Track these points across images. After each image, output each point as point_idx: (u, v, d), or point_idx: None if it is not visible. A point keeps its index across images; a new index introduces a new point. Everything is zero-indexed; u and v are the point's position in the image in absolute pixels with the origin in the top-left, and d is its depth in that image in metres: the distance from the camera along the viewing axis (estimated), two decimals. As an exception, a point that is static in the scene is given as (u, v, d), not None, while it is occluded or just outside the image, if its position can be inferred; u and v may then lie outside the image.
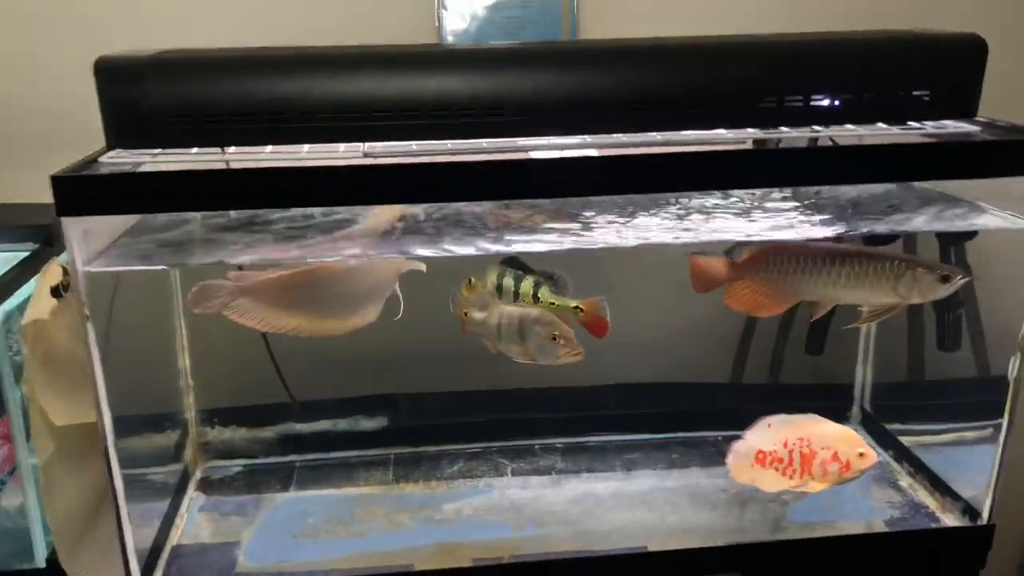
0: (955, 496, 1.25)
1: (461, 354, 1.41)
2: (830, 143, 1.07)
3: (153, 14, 1.35)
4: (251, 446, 1.43)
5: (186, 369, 1.38)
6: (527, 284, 1.12)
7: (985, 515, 1.18)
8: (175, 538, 1.23)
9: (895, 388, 1.50)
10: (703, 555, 1.15)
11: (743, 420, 1.47)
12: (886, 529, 1.23)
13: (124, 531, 1.02)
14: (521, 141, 1.01)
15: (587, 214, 1.14)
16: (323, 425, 1.45)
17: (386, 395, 1.46)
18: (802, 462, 1.13)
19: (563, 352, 1.09)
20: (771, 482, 1.14)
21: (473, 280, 1.15)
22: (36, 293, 1.14)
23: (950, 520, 1.23)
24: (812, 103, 1.07)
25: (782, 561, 1.17)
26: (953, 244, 1.27)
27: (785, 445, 1.13)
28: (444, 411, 1.49)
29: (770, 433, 1.15)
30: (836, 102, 1.07)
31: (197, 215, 1.09)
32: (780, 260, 1.15)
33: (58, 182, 0.86)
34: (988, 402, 1.17)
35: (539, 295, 1.11)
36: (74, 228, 0.89)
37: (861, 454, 1.11)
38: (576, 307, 1.11)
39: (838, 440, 1.12)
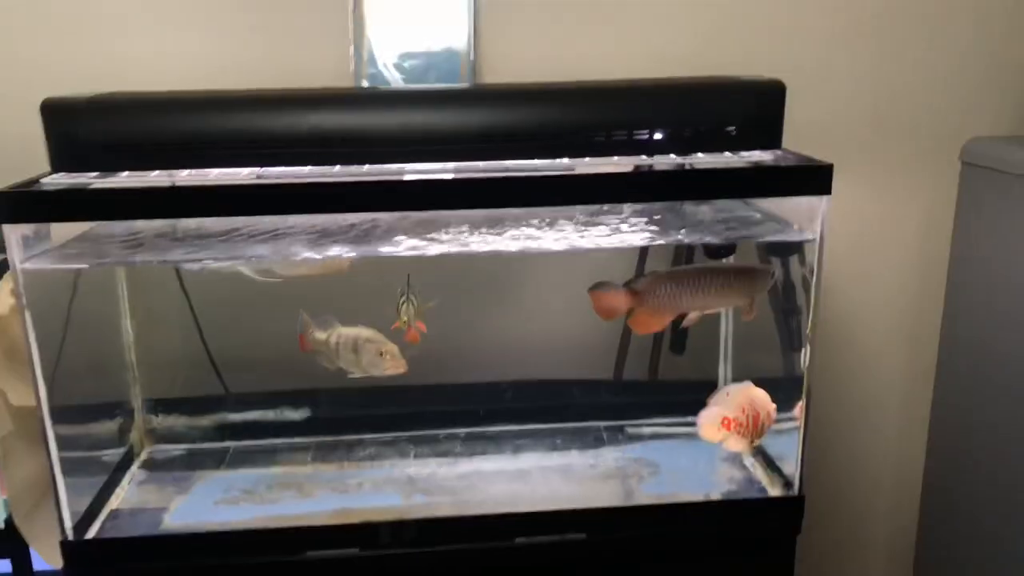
0: (780, 473, 1.45)
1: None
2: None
3: (96, 57, 1.60)
4: (191, 432, 1.65)
5: (133, 363, 1.60)
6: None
7: (796, 488, 1.39)
8: (113, 504, 1.44)
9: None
10: (556, 517, 1.36)
11: (624, 412, 1.70)
12: (719, 499, 1.43)
13: (58, 490, 1.24)
14: (395, 166, 1.25)
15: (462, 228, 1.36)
16: (254, 415, 1.66)
17: (310, 389, 1.67)
18: (752, 424, 1.34)
19: (388, 365, 1.36)
20: (736, 443, 1.36)
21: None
22: (-1, 293, 1.37)
23: (773, 492, 1.44)
24: (639, 136, 1.29)
25: (625, 523, 1.37)
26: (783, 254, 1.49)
27: (743, 411, 1.35)
28: (361, 404, 1.70)
29: (730, 400, 1.36)
30: (662, 135, 1.30)
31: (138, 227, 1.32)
32: (669, 284, 1.37)
33: (1, 196, 1.10)
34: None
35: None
36: (13, 233, 1.13)
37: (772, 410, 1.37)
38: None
39: (766, 402, 1.36)
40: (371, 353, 1.35)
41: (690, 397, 1.63)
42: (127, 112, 1.21)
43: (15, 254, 1.13)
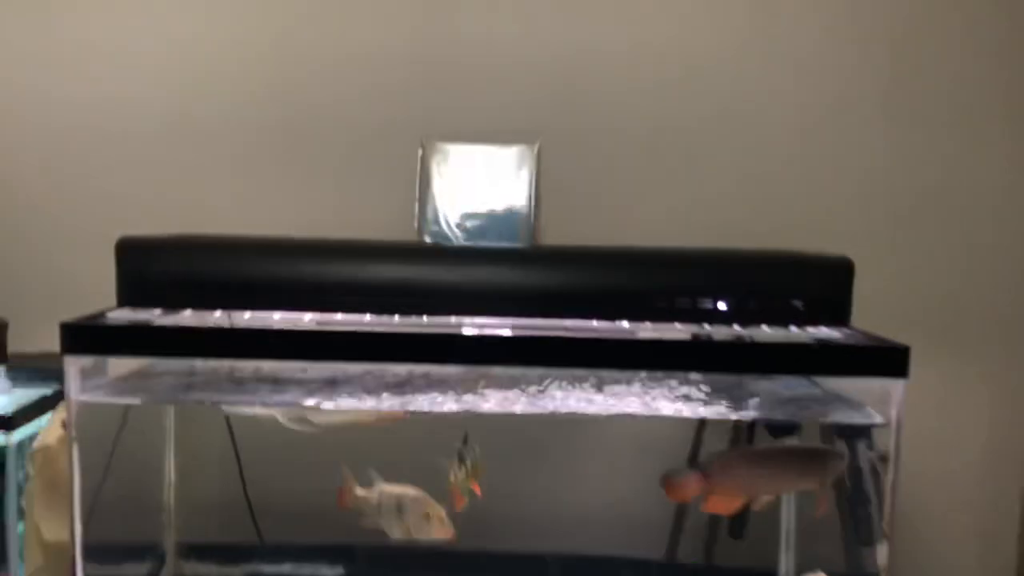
0: None
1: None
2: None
3: (175, 202, 1.66)
4: (221, 582, 1.58)
5: (170, 504, 1.57)
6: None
7: None
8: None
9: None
10: None
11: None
12: None
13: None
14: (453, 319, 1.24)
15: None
16: (287, 568, 1.59)
17: (347, 546, 1.61)
18: None
19: (435, 528, 1.27)
20: None
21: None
22: (49, 424, 1.37)
23: None
24: (702, 304, 1.27)
25: None
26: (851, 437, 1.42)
27: None
28: (400, 567, 1.62)
29: None
30: (725, 304, 1.28)
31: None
32: (743, 465, 1.32)
33: (64, 328, 1.11)
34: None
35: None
36: (72, 365, 1.13)
37: None
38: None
39: None
40: (416, 515, 1.29)
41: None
42: (195, 252, 1.24)
43: (72, 386, 1.13)
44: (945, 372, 1.73)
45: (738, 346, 1.20)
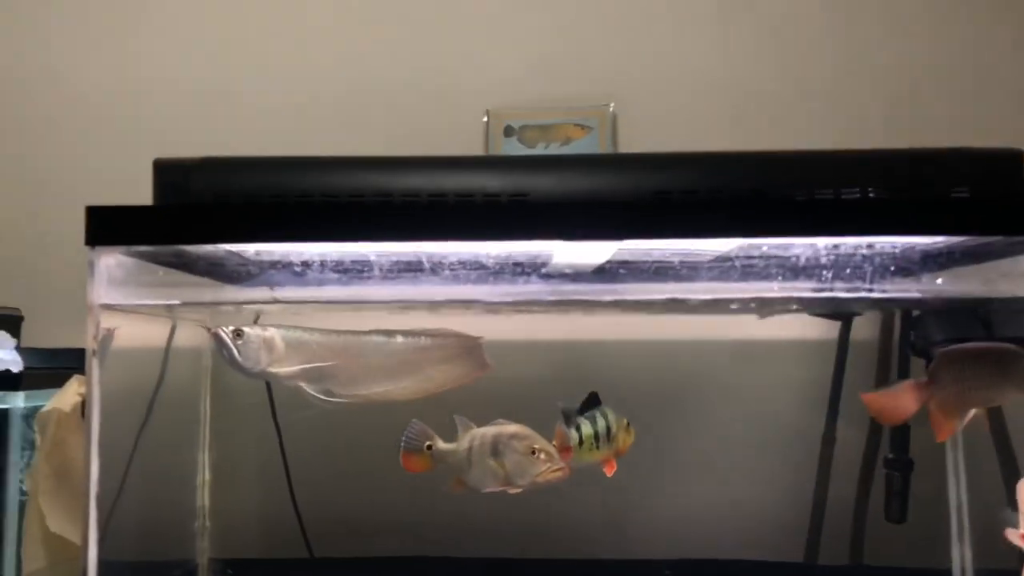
0: None
1: (497, 517, 1.31)
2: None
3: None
4: (262, 606, 1.30)
5: (204, 510, 1.30)
6: (613, 416, 1.05)
7: None
8: None
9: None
10: None
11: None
12: None
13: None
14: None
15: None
16: (342, 587, 1.31)
17: (413, 558, 1.33)
18: None
19: (544, 468, 0.98)
20: None
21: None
22: (62, 390, 1.14)
23: None
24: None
25: None
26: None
27: None
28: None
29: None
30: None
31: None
32: (966, 362, 1.05)
33: (92, 212, 0.89)
34: None
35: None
36: (101, 259, 0.91)
37: None
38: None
39: None
40: (518, 454, 0.99)
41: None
42: (233, 172, 1.04)
43: (98, 287, 0.90)
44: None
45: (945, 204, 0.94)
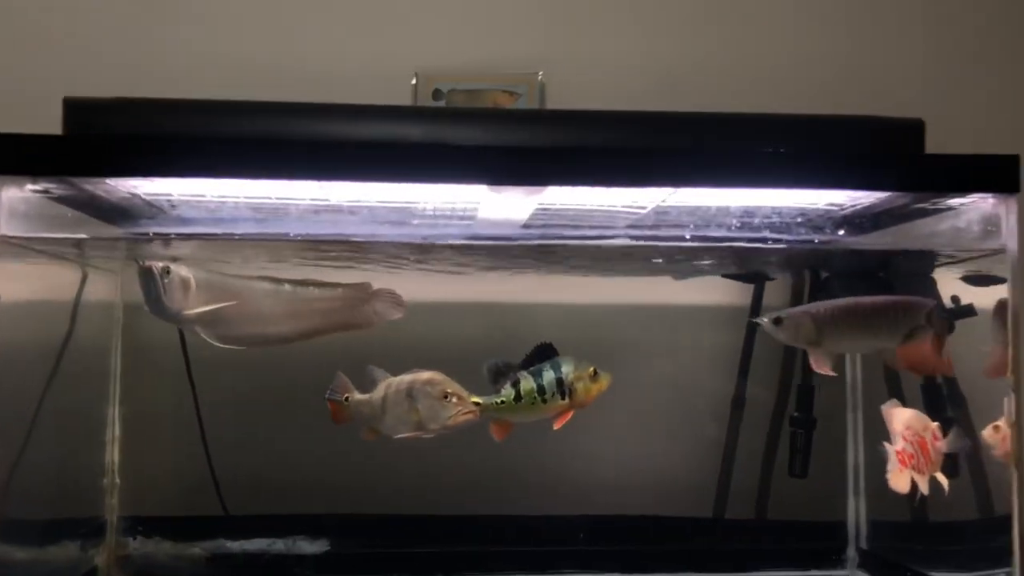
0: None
1: (413, 474, 1.31)
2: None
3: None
4: (177, 564, 1.27)
5: (113, 465, 1.27)
6: (570, 366, 1.06)
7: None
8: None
9: (897, 528, 1.34)
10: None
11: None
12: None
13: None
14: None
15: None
16: (258, 544, 1.30)
17: (332, 515, 1.32)
18: (923, 452, 1.02)
19: (455, 412, 1.00)
20: (923, 482, 1.02)
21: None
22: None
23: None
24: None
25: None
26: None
27: (905, 438, 1.02)
28: (395, 538, 1.34)
29: (895, 427, 1.04)
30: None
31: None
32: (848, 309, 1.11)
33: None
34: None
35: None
36: (3, 190, 0.88)
37: (940, 426, 1.04)
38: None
39: (922, 419, 1.04)
40: (431, 398, 1.01)
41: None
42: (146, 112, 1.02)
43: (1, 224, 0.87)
44: None
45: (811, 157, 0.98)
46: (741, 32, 1.52)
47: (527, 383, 1.05)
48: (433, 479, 1.34)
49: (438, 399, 1.00)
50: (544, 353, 1.08)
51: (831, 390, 1.37)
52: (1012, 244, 0.94)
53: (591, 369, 1.07)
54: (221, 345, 1.00)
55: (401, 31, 1.50)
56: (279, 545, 1.30)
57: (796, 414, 1.33)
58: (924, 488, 1.01)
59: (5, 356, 0.97)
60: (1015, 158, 0.92)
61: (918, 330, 1.08)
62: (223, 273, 1.02)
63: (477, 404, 1.04)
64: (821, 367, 1.09)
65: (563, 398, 1.06)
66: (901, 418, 1.04)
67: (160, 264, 0.96)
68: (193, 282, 0.97)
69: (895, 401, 1.08)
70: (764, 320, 1.10)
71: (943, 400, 1.23)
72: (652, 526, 1.36)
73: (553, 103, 1.50)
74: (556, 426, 1.06)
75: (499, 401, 1.05)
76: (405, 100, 1.49)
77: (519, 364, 1.08)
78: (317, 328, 1.07)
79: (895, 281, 1.21)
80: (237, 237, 1.02)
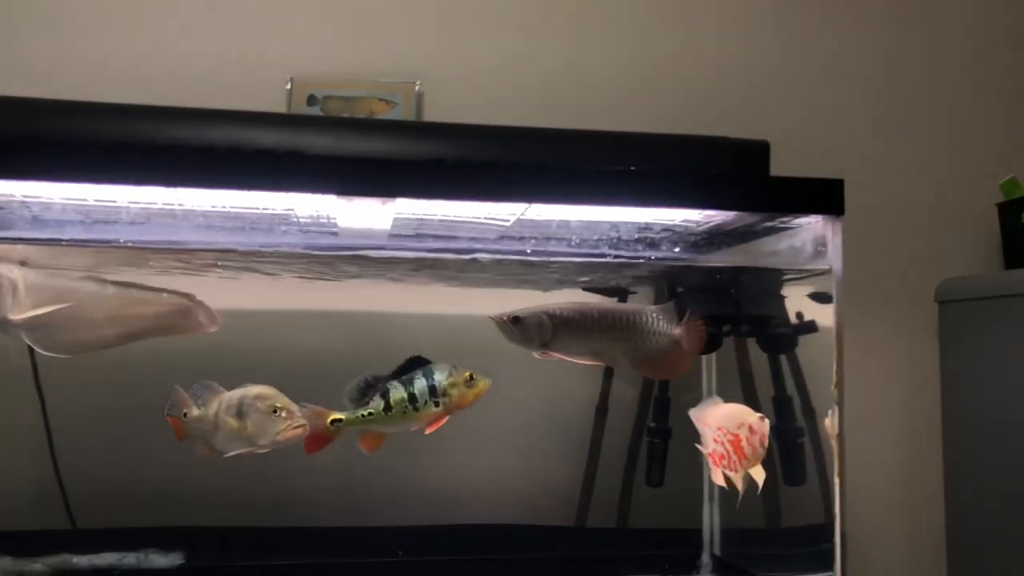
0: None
1: (278, 485, 1.30)
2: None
3: None
4: (17, 581, 1.22)
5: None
6: (443, 374, 1.06)
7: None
8: None
9: (748, 534, 1.40)
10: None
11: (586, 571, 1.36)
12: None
13: None
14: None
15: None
16: (108, 558, 1.25)
17: (184, 528, 1.29)
18: (736, 450, 1.03)
19: (284, 426, 0.99)
20: (720, 478, 1.04)
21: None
22: None
23: None
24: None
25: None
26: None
27: (715, 440, 1.04)
28: (250, 550, 1.31)
29: (706, 431, 1.07)
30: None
31: None
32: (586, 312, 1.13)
33: None
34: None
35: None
36: None
37: (761, 417, 1.04)
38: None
39: (738, 415, 1.05)
40: (260, 413, 0.99)
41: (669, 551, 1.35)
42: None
43: None
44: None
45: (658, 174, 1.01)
46: (614, 48, 1.57)
47: (397, 392, 1.05)
48: (290, 490, 1.32)
49: (267, 414, 0.99)
50: (415, 365, 1.08)
51: (690, 398, 1.41)
52: (837, 264, 0.99)
53: (467, 374, 1.07)
54: (46, 352, 0.96)
55: (278, 36, 1.49)
56: (130, 559, 1.26)
57: (652, 424, 1.37)
58: (739, 485, 1.04)
59: None
60: (839, 182, 0.98)
61: (652, 337, 1.12)
62: (50, 274, 0.98)
63: (340, 420, 1.04)
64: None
65: (436, 405, 1.06)
66: (714, 417, 1.06)
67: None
68: (22, 284, 0.93)
69: (713, 399, 1.11)
70: (502, 318, 1.10)
71: (792, 411, 1.29)
72: (515, 535, 1.38)
73: (430, 113, 1.51)
74: (428, 431, 1.07)
75: (366, 413, 1.05)
76: (280, 105, 1.47)
77: (388, 376, 1.08)
78: (139, 332, 1.04)
79: (744, 297, 1.26)
80: (65, 242, 0.98)
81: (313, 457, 1.04)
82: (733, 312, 1.24)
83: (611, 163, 1.07)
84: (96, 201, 0.94)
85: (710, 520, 1.41)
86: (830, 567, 1.05)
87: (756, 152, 1.14)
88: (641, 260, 1.10)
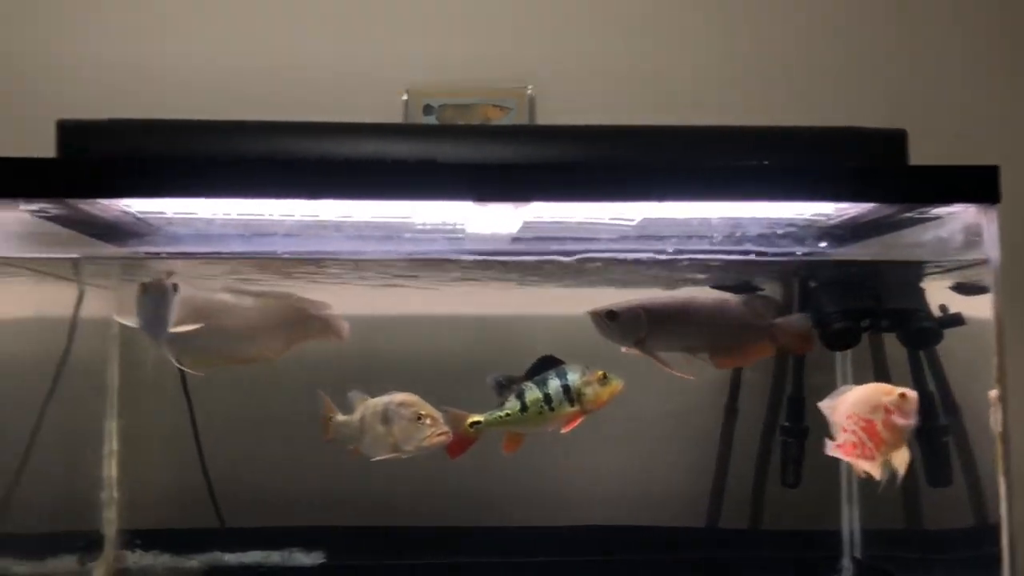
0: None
1: (416, 486, 1.32)
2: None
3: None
4: (173, 577, 1.29)
5: (111, 479, 1.29)
6: (576, 373, 1.07)
7: None
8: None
9: (890, 536, 1.35)
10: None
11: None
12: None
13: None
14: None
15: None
16: (254, 557, 1.31)
17: (326, 527, 1.34)
18: (870, 436, 0.99)
19: (428, 433, 1.02)
20: (864, 467, 0.99)
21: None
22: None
23: None
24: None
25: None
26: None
27: (846, 429, 1.00)
28: (390, 550, 1.35)
29: (836, 422, 1.03)
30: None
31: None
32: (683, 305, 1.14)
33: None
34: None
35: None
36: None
37: (903, 394, 0.98)
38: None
39: (871, 398, 1.00)
40: (404, 420, 1.02)
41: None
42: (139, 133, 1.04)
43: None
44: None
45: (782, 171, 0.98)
46: (730, 44, 1.54)
47: (532, 393, 1.06)
48: (429, 491, 1.34)
49: (412, 421, 1.01)
50: (547, 365, 1.09)
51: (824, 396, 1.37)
52: (994, 254, 0.94)
53: (600, 373, 1.08)
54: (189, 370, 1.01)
55: (391, 47, 1.52)
56: (275, 557, 1.31)
57: (786, 424, 1.34)
58: (876, 474, 0.99)
59: (5, 373, 0.98)
60: (995, 168, 0.93)
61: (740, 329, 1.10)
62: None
63: (478, 422, 1.05)
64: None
65: (571, 405, 1.07)
66: (845, 404, 1.02)
67: (170, 281, 0.98)
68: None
69: (846, 387, 1.06)
70: (599, 312, 1.09)
71: (935, 409, 1.24)
72: (645, 536, 1.37)
73: (543, 116, 1.51)
74: (564, 430, 1.07)
75: (503, 414, 1.06)
76: (396, 116, 1.51)
77: (522, 376, 1.09)
78: (275, 345, 1.09)
79: (883, 291, 1.22)
80: (226, 255, 1.03)
81: (446, 457, 1.06)
82: (873, 306, 1.19)
83: (738, 159, 1.04)
84: (252, 215, 0.99)
85: (849, 522, 1.37)
86: (992, 573, 1.00)
87: (893, 141, 1.09)
88: (783, 257, 1.07)
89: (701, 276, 1.27)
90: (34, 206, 0.94)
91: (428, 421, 1.01)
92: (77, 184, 0.90)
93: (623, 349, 1.12)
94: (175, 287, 0.99)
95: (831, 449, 1.03)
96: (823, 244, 1.09)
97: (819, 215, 1.08)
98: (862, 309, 1.20)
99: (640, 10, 1.56)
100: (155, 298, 0.97)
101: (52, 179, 0.90)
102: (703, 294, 1.17)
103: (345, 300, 1.15)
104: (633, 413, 1.37)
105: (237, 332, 1.08)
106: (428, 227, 1.08)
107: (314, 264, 1.10)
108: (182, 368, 1.11)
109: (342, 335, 1.13)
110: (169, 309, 0.97)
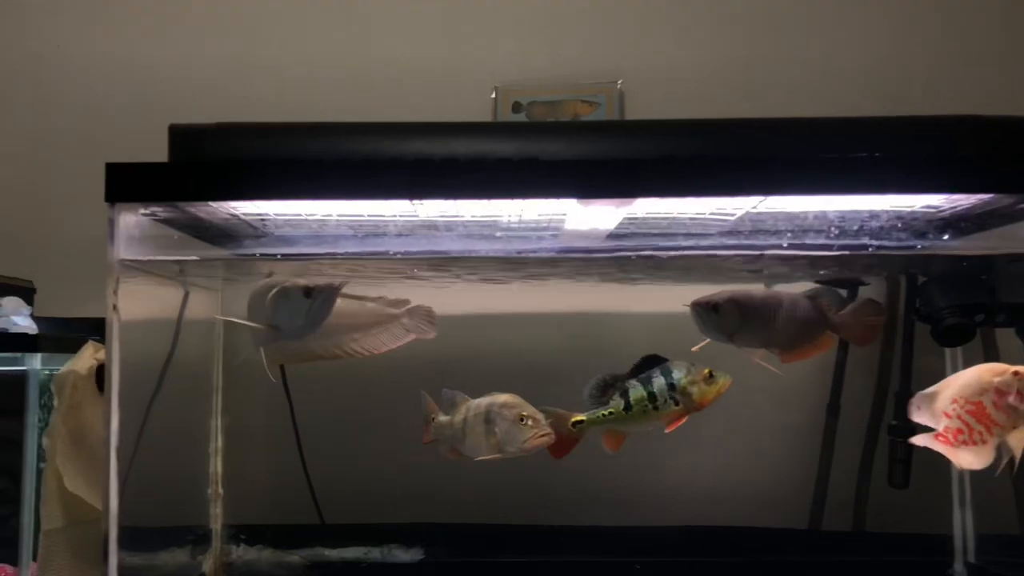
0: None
1: (512, 485, 1.32)
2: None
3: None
4: (276, 570, 1.31)
5: (217, 475, 1.32)
6: (681, 372, 1.06)
7: None
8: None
9: (1009, 541, 1.29)
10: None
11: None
12: None
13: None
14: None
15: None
16: (354, 552, 1.33)
17: (425, 524, 1.35)
18: (979, 420, 0.94)
19: (531, 435, 1.00)
20: (964, 459, 0.95)
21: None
22: (78, 355, 1.16)
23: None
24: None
25: None
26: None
27: (950, 414, 0.96)
28: (489, 547, 1.35)
29: (938, 407, 0.98)
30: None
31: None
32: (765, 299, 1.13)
33: (112, 169, 0.90)
34: None
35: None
36: (120, 216, 0.92)
37: (1016, 372, 0.93)
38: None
39: (977, 381, 0.95)
40: (507, 422, 1.02)
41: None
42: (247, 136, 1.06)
43: (117, 240, 0.91)
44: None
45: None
46: (819, 35, 1.50)
47: (636, 392, 1.05)
48: (525, 490, 1.34)
49: (514, 422, 1.01)
50: (650, 363, 1.07)
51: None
52: None
53: (706, 371, 1.06)
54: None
55: (479, 46, 1.52)
56: (375, 553, 1.33)
57: (895, 423, 1.29)
58: (979, 464, 0.95)
59: (127, 371, 1.01)
60: None
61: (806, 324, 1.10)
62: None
63: (581, 421, 1.05)
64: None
65: (676, 404, 1.05)
66: (950, 389, 0.97)
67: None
68: None
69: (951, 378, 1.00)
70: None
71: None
72: (747, 537, 1.34)
73: (632, 111, 1.50)
74: (668, 430, 1.06)
75: (607, 413, 1.05)
76: (485, 113, 1.51)
77: (625, 375, 1.08)
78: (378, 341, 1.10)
79: (998, 284, 1.16)
80: (341, 256, 1.05)
81: (546, 456, 1.06)
82: (987, 301, 1.14)
83: (845, 149, 1.01)
84: (355, 215, 1.00)
85: (962, 525, 1.31)
86: None
87: (1015, 129, 1.04)
88: (906, 250, 1.03)
89: (812, 271, 1.23)
90: (148, 210, 0.96)
91: (530, 422, 1.01)
92: (187, 188, 0.92)
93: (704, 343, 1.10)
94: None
95: (925, 439, 0.98)
96: (943, 236, 1.04)
97: (930, 207, 1.04)
98: (975, 304, 1.15)
99: (728, 1, 1.53)
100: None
101: (165, 183, 0.92)
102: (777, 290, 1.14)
103: (442, 299, 1.15)
104: (733, 412, 1.35)
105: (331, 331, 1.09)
106: (523, 224, 1.08)
107: (411, 263, 1.11)
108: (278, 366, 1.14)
109: (430, 333, 1.13)
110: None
